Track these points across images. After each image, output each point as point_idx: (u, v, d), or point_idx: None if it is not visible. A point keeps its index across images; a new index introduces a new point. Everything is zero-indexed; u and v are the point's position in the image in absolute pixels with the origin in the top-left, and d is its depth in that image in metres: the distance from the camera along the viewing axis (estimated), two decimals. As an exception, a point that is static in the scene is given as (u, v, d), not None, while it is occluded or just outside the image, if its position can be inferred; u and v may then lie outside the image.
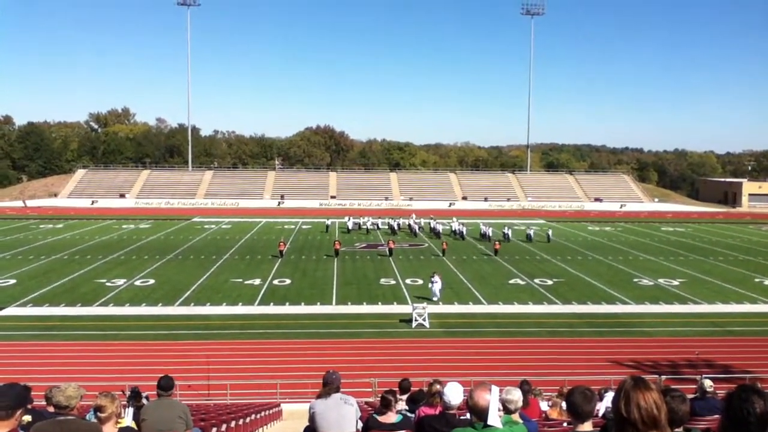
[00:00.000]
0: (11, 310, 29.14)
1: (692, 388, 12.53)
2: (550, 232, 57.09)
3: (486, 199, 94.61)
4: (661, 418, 2.91)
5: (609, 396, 11.28)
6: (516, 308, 30.88)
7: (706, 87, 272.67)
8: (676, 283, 37.39)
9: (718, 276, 39.71)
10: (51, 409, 7.24)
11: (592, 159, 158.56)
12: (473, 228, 60.57)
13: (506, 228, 57.78)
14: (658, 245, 54.24)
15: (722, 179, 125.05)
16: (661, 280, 38.00)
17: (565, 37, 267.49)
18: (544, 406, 12.18)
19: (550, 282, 37.02)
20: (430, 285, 31.44)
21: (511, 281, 37.17)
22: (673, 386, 6.27)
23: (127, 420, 7.71)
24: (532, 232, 56.85)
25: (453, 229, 59.68)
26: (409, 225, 61.16)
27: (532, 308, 30.97)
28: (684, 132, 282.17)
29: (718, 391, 9.94)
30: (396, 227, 60.71)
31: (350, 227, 61.09)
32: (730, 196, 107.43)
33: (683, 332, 27.09)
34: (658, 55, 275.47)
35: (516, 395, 6.34)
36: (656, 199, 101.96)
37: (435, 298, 30.91)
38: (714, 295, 34.32)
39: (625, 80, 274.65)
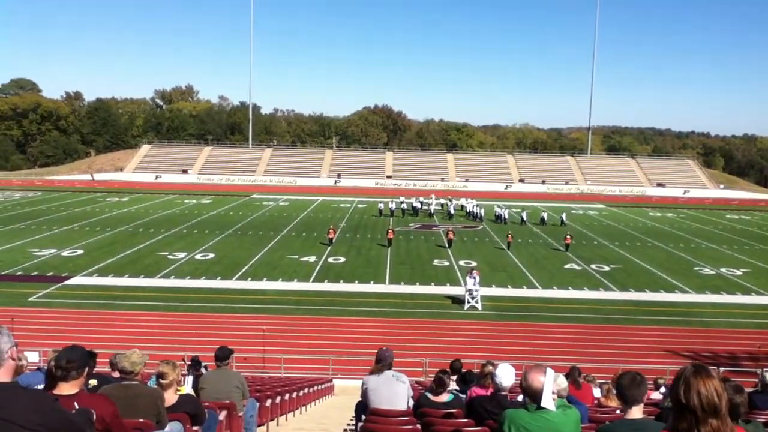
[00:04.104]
0: (78, 279, 30.36)
1: (752, 381, 12.18)
2: (563, 216, 55.62)
3: (544, 182, 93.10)
4: (722, 406, 2.86)
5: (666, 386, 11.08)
6: (571, 294, 30.43)
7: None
8: (739, 272, 36.16)
9: (786, 267, 38.23)
10: (116, 374, 7.56)
11: (656, 143, 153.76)
12: (489, 209, 59.83)
13: (523, 212, 57.02)
14: (721, 233, 52.47)
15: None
16: (723, 270, 36.81)
17: (631, 16, 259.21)
18: (597, 392, 12.03)
19: (607, 268, 36.32)
20: (467, 278, 28.03)
21: (567, 266, 36.62)
22: (730, 378, 6.14)
23: (187, 387, 7.96)
24: (545, 216, 55.71)
25: (468, 210, 59.16)
26: (421, 204, 60.76)
27: (587, 294, 30.47)
28: (754, 116, 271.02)
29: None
30: (419, 207, 60.24)
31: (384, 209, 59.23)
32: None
33: (745, 324, 26.24)
34: (728, 36, 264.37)
35: (563, 383, 6.31)
36: (722, 186, 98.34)
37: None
38: (780, 286, 33.08)
39: (692, 61, 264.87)
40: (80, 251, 36.86)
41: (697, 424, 2.88)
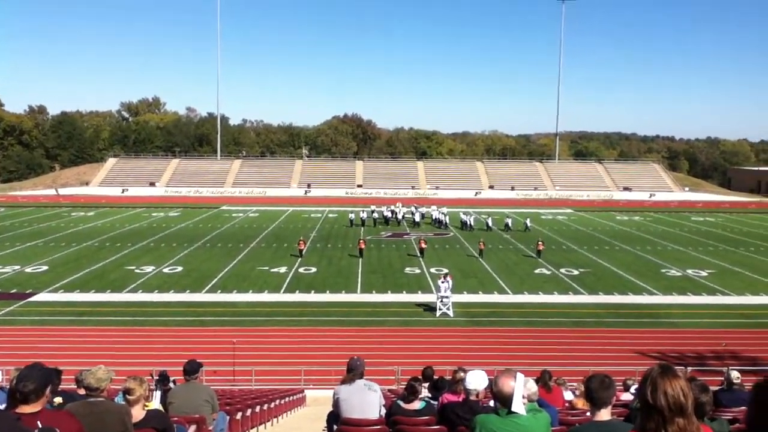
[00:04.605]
0: (43, 296, 29.75)
1: (718, 380, 12.38)
2: (528, 221, 56.14)
3: (513, 188, 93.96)
4: (688, 405, 2.90)
5: (635, 387, 11.20)
6: (541, 298, 30.71)
7: (740, 73, 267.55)
8: (705, 274, 36.85)
9: (749, 267, 39.03)
10: (81, 391, 7.41)
11: (622, 147, 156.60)
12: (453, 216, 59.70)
13: (489, 218, 57.36)
14: (687, 235, 53.45)
15: (756, 168, 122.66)
16: (689, 271, 37.48)
17: (596, 23, 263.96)
18: (568, 395, 12.13)
19: (576, 272, 36.74)
20: (439, 282, 28.22)
21: (537, 271, 36.95)
22: (696, 377, 6.25)
23: (155, 403, 7.85)
24: (510, 221, 56.13)
25: (434, 217, 59.40)
26: (392, 213, 60.64)
27: (557, 298, 30.77)
28: (717, 120, 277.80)
29: (744, 384, 9.80)
30: (390, 216, 59.92)
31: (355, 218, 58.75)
32: (763, 186, 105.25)
33: (711, 324, 26.72)
34: (691, 41, 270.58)
35: (533, 387, 6.36)
36: (687, 189, 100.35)
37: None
38: (744, 286, 33.76)
39: (656, 67, 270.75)
40: (45, 267, 36.14)
41: (664, 423, 2.91)
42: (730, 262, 40.57)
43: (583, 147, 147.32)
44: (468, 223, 55.46)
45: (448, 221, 57.11)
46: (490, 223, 55.42)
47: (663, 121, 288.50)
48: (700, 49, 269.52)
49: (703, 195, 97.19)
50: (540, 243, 42.47)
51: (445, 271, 32.73)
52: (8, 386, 5.61)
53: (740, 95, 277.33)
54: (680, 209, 77.71)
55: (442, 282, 27.74)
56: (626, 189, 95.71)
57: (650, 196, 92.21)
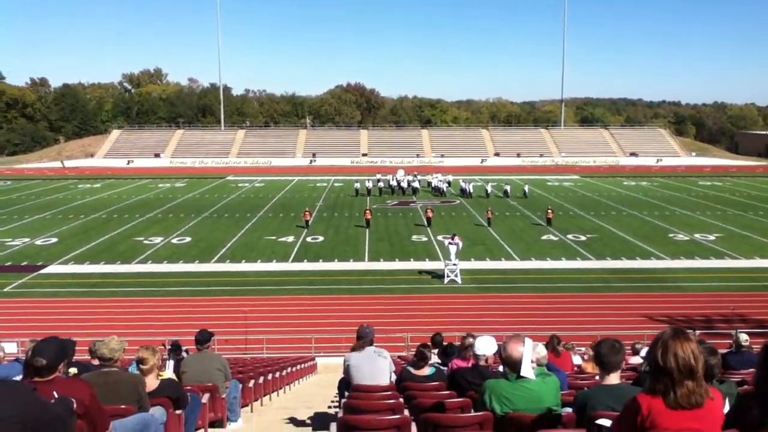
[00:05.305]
0: (54, 268, 29.98)
1: (726, 342, 12.45)
2: (526, 188, 56.08)
3: (519, 155, 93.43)
4: (698, 368, 2.91)
5: (645, 351, 11.26)
6: (549, 264, 30.75)
7: (747, 36, 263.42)
8: (712, 238, 36.76)
9: (757, 231, 38.89)
10: (95, 362, 7.51)
11: (628, 113, 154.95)
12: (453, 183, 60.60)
13: (488, 184, 57.36)
14: (695, 200, 53.24)
15: (763, 132, 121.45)
16: (697, 235, 37.40)
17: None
18: (577, 359, 12.23)
19: (583, 237, 36.71)
20: (446, 243, 28.87)
21: (544, 237, 36.94)
22: (705, 340, 6.28)
23: (168, 372, 7.95)
24: (508, 188, 56.24)
25: (433, 185, 59.59)
26: (397, 182, 60.69)
27: (565, 264, 30.80)
28: (723, 84, 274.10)
29: (753, 346, 9.84)
30: (396, 185, 59.97)
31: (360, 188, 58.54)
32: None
33: (719, 287, 26.74)
34: (696, 4, 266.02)
35: (542, 352, 6.40)
36: (694, 153, 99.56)
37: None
38: (752, 250, 33.68)
39: (662, 31, 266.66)
40: (54, 239, 36.36)
41: (673, 385, 2.93)
42: (738, 226, 40.44)
43: (589, 113, 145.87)
44: (467, 190, 55.57)
45: (445, 189, 57.42)
46: (489, 190, 55.40)
47: (669, 86, 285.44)
48: (706, 12, 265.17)
49: (711, 159, 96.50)
50: (550, 211, 41.80)
51: (453, 233, 32.72)
52: (24, 357, 5.70)
53: (747, 59, 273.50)
54: (687, 174, 77.29)
55: (450, 243, 27.86)
56: (633, 154, 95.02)
57: (657, 162, 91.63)
